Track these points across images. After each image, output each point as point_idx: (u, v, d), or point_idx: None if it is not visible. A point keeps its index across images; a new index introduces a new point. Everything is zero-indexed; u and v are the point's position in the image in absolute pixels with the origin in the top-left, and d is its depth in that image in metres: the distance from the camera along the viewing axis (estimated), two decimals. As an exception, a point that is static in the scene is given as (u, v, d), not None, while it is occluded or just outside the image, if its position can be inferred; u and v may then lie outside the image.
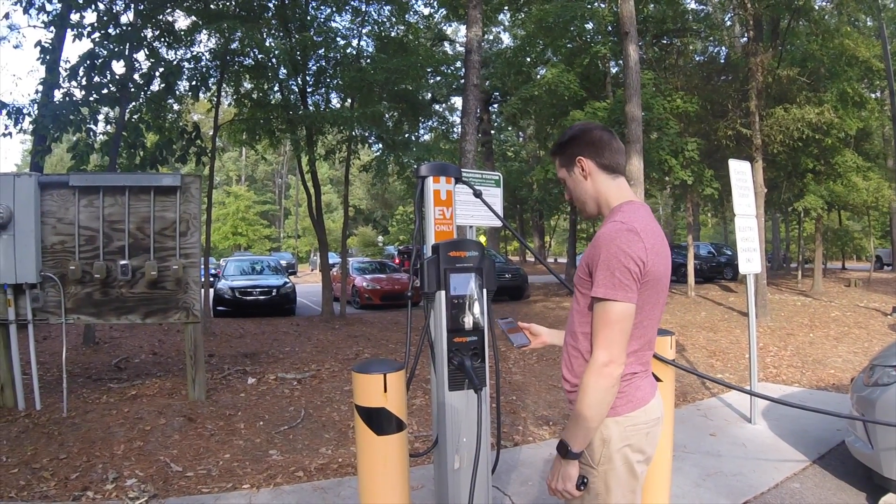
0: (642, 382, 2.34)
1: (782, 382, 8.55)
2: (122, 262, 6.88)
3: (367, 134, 17.17)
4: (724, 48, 20.97)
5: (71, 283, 6.86)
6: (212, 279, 18.79)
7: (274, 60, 14.64)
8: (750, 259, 6.91)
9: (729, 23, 20.55)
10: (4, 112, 11.09)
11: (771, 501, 4.71)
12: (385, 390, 2.71)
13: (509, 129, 43.24)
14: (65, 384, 6.84)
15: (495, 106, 34.27)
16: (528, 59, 20.50)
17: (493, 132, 36.23)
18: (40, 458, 5.45)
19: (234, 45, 14.32)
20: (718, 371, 9.27)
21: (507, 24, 23.45)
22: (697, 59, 21.34)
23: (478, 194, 3.65)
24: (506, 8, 20.23)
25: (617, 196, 2.36)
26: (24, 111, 11.28)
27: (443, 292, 3.09)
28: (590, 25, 18.15)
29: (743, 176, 7.11)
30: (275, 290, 18.76)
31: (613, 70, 19.25)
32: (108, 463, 5.35)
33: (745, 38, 17.91)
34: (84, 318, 7.14)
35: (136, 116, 12.86)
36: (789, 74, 15.95)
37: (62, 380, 6.89)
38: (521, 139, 47.53)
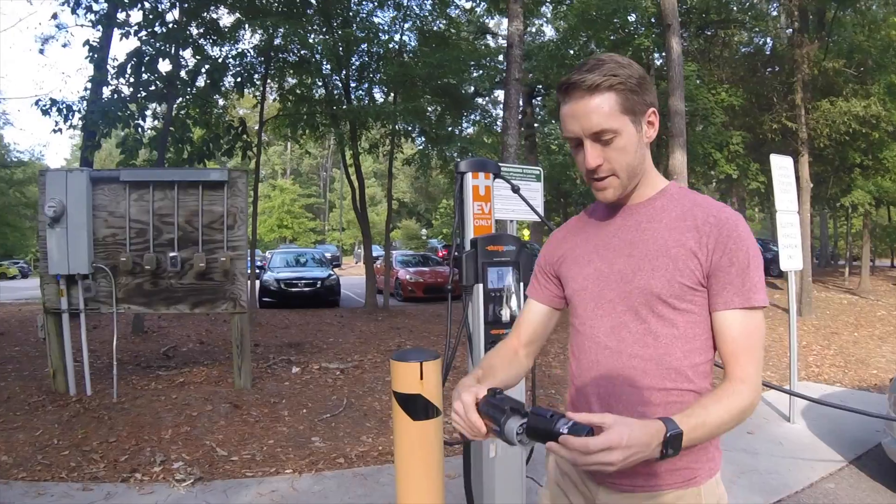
0: None
1: (824, 382, 8.48)
2: (172, 253, 7.09)
3: (410, 128, 17.27)
4: (769, 39, 20.68)
5: (122, 273, 7.08)
6: (258, 271, 19.04)
7: (317, 56, 14.82)
8: (791, 256, 6.86)
9: (774, 13, 20.24)
10: (55, 109, 11.42)
11: (804, 501, 4.71)
12: (421, 378, 2.79)
13: (553, 122, 43.02)
14: (115, 371, 7.07)
15: (539, 99, 34.11)
16: (571, 52, 20.41)
17: (536, 125, 36.05)
18: (90, 440, 5.67)
19: (277, 42, 14.52)
20: (760, 368, 9.20)
21: (549, 16, 23.35)
22: (743, 50, 21.04)
23: (515, 190, 3.73)
24: (548, 0, 20.16)
25: (658, 173, 1.79)
26: (74, 108, 11.60)
27: (481, 285, 3.17)
28: (633, 17, 18.03)
29: (785, 171, 7.07)
30: (319, 282, 18.90)
31: (657, 62, 19.09)
32: (155, 446, 5.54)
33: (790, 30, 17.64)
34: (134, 308, 7.36)
35: (183, 112, 13.12)
36: (835, 66, 15.67)
37: (112, 367, 7.12)
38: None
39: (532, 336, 1.95)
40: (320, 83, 16.59)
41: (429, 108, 18.08)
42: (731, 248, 1.56)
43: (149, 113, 12.87)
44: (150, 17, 11.90)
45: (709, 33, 19.52)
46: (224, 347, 10.11)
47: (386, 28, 16.72)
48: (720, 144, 15.91)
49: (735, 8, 19.23)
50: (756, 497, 4.69)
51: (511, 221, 6.28)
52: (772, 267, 26.79)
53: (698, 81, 16.20)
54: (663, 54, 14.91)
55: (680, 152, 11.25)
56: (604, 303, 1.72)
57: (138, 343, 10.67)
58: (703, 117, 15.88)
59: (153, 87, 12.03)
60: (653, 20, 17.24)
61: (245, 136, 14.77)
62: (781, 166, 7.04)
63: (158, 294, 7.20)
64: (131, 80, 11.88)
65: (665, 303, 1.61)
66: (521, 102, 12.73)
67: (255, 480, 4.89)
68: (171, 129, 12.30)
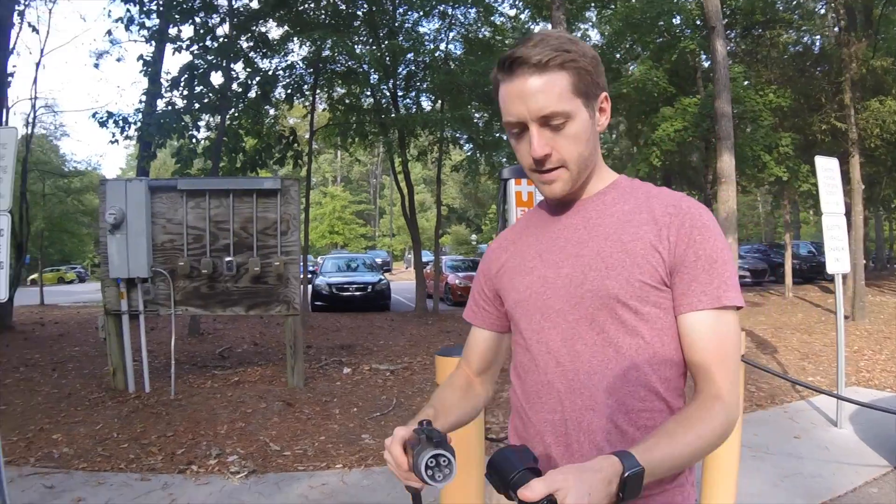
0: None
1: (874, 387, 8.38)
2: (228, 258, 7.40)
3: (457, 135, 17.46)
4: (817, 38, 20.32)
5: (180, 277, 7.41)
6: (310, 276, 19.37)
7: (365, 66, 15.10)
8: (838, 259, 6.79)
9: (822, 10, 19.91)
10: (111, 121, 11.92)
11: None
12: (463, 372, 2.95)
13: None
14: (172, 369, 7.41)
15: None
16: (617, 56, 20.37)
17: (583, 130, 35.98)
18: (149, 434, 5.97)
19: (325, 53, 14.83)
20: (809, 374, 9.11)
21: (594, 20, 23.30)
22: (791, 49, 20.70)
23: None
24: (592, 5, 20.17)
25: (607, 167, 1.57)
26: (130, 120, 12.12)
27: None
28: (677, 20, 17.92)
29: (830, 173, 7.01)
30: (370, 287, 19.13)
31: (705, 64, 18.92)
32: (211, 441, 5.80)
33: (837, 28, 17.35)
34: (192, 310, 7.68)
35: (235, 123, 13.50)
36: (884, 65, 15.33)
37: (169, 366, 7.45)
38: (613, 136, 46.99)
39: (483, 365, 1.72)
40: (368, 92, 16.88)
41: (476, 115, 18.25)
42: (697, 239, 1.33)
43: (202, 124, 13.32)
44: (202, 31, 12.29)
45: (756, 33, 19.29)
46: (277, 349, 10.41)
47: (432, 37, 16.99)
48: (769, 146, 15.68)
49: (781, 7, 18.95)
50: (798, 500, 4.69)
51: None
52: (825, 272, 26.39)
53: (746, 83, 16.04)
54: (709, 56, 14.85)
55: (728, 155, 11.21)
56: (551, 313, 1.43)
57: (194, 344, 11.07)
58: (752, 119, 15.70)
59: (206, 99, 12.43)
60: (698, 22, 17.13)
61: (296, 145, 15.12)
62: (826, 168, 6.99)
63: (215, 297, 7.50)
64: (185, 92, 12.32)
65: (625, 305, 1.35)
66: (566, 107, 12.74)
67: (306, 474, 5.08)
68: (224, 139, 12.67)
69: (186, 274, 7.39)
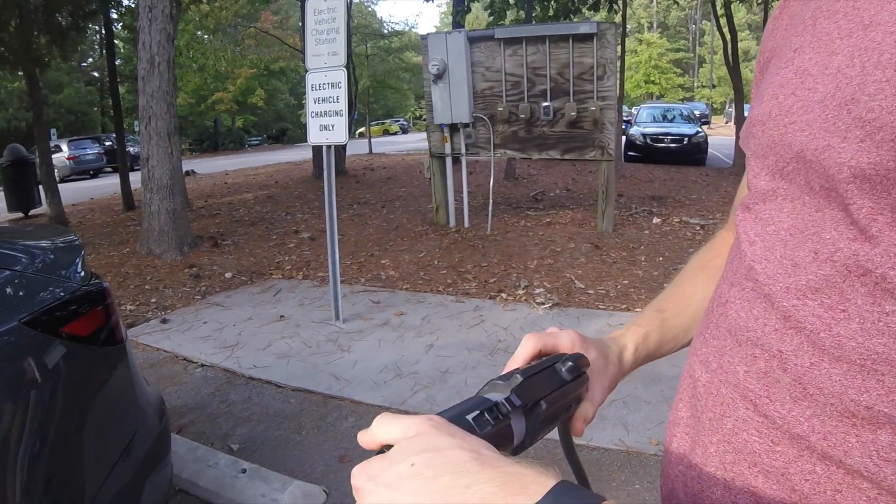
0: None
1: None
2: (545, 103, 7.66)
3: (790, -28, 15.93)
4: None
5: (499, 122, 7.86)
6: (624, 126, 19.18)
7: None
8: None
9: None
10: None
11: None
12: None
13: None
14: (490, 207, 8.06)
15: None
16: None
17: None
18: (465, 264, 6.67)
19: None
20: None
21: None
22: None
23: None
24: None
25: None
26: None
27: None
28: None
29: None
30: (686, 139, 18.49)
31: None
32: (521, 273, 6.29)
33: None
34: (510, 153, 8.14)
35: (546, -31, 13.48)
36: None
37: (487, 205, 8.11)
38: None
39: None
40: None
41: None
42: None
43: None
44: None
45: None
46: (588, 195, 10.70)
47: None
48: None
49: None
50: None
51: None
52: None
53: None
54: None
55: None
56: (789, 162, 0.57)
57: (510, 187, 11.81)
58: None
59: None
60: None
61: (610, -13, 14.75)
62: None
63: (531, 141, 7.86)
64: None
65: None
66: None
67: (605, 313, 5.33)
68: (537, -13, 12.75)
69: (505, 119, 7.80)
